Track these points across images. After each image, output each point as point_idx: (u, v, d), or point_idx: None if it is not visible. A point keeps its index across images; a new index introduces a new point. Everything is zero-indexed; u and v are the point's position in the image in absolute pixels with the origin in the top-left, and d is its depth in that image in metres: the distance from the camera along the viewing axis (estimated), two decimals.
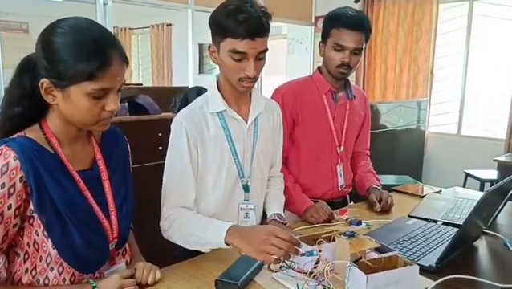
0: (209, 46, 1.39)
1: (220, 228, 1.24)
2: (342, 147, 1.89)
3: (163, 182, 1.42)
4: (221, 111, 1.44)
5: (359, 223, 1.23)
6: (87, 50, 0.96)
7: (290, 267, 1.18)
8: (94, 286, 1.05)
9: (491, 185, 4.15)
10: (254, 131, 1.50)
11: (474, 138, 5.09)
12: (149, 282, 1.14)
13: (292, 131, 1.83)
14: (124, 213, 1.17)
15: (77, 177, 1.07)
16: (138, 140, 2.53)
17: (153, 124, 2.63)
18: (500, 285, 1.15)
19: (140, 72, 9.23)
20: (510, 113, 4.64)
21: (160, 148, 2.52)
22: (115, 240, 1.15)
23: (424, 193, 2.05)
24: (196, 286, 1.15)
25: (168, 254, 1.43)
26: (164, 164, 1.43)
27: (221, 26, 1.31)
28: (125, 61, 1.03)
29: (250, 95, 1.51)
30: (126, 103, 2.99)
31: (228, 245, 1.21)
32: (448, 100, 5.39)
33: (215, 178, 1.44)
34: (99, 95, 0.99)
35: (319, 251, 1.15)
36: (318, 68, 1.89)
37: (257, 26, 1.29)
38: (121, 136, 1.26)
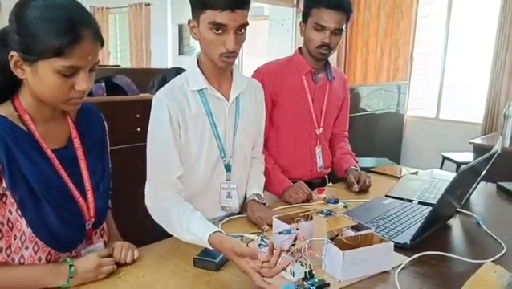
0: (189, 22, 1.37)
1: (206, 227, 1.18)
2: (321, 129, 1.90)
3: (147, 160, 1.40)
4: (201, 89, 1.42)
5: (336, 202, 1.25)
6: (58, 25, 0.93)
7: (267, 245, 1.19)
8: (71, 265, 1.04)
9: None
10: (236, 110, 1.49)
11: (452, 122, 5.18)
12: (128, 261, 1.14)
13: (271, 112, 1.82)
14: (101, 192, 1.16)
15: (51, 156, 1.05)
16: (116, 122, 2.50)
17: (131, 105, 2.59)
18: (471, 260, 1.18)
19: (117, 53, 9.05)
20: (487, 97, 4.73)
21: (139, 129, 2.49)
22: (92, 219, 1.13)
23: (401, 174, 2.08)
24: (174, 264, 1.15)
25: (148, 234, 1.42)
26: (143, 146, 1.41)
27: None
28: (99, 40, 1.01)
29: (232, 73, 1.50)
30: (103, 84, 2.93)
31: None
32: (427, 84, 5.46)
33: (196, 157, 1.43)
34: (69, 73, 0.97)
35: (297, 229, 1.16)
36: (299, 49, 1.89)
37: None
38: (97, 113, 1.24)
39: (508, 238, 1.35)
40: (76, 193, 1.09)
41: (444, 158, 4.48)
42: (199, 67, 1.44)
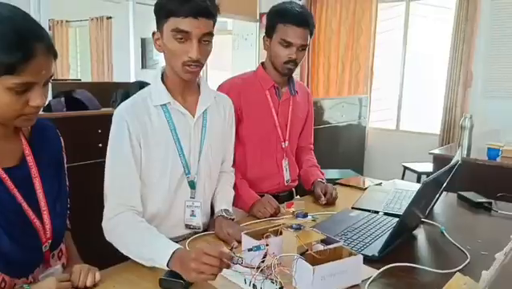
0: (153, 34, 1.35)
1: (165, 249, 1.14)
2: (286, 142, 1.90)
3: (105, 179, 1.34)
4: (165, 104, 1.39)
5: (305, 216, 1.23)
6: (8, 41, 0.88)
7: (237, 263, 1.16)
8: None
9: (427, 177, 4.38)
10: (203, 125, 1.46)
11: (411, 133, 5.34)
12: (88, 285, 1.08)
13: (237, 128, 1.80)
14: (58, 212, 1.10)
15: (3, 175, 0.99)
16: (76, 137, 2.42)
17: (92, 120, 2.51)
18: (438, 271, 1.20)
19: (78, 67, 8.81)
20: (443, 109, 4.91)
21: (100, 145, 2.41)
22: (49, 241, 1.07)
23: (366, 186, 2.11)
24: (140, 287, 1.10)
25: (110, 256, 1.36)
26: (104, 162, 1.36)
27: (164, 7, 1.29)
28: (52, 53, 0.96)
29: (199, 87, 1.47)
30: (62, 98, 2.83)
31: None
32: (386, 97, 5.62)
33: (159, 175, 1.39)
34: (22, 90, 0.92)
35: (266, 245, 1.14)
36: (262, 64, 1.89)
37: (200, 6, 1.27)
38: (53, 130, 1.18)
39: (471, 247, 1.37)
40: (31, 214, 1.03)
41: (406, 168, 4.59)
42: (163, 81, 1.41)
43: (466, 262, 1.27)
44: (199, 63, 1.34)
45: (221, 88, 1.82)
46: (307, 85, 5.73)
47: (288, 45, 1.73)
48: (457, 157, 1.59)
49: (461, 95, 4.77)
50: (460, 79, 4.73)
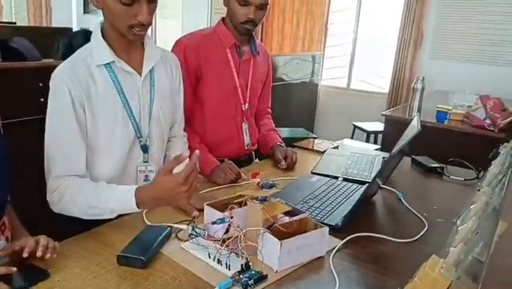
0: None
1: (125, 195, 1.14)
2: (247, 104, 1.82)
3: (45, 150, 1.22)
4: (108, 63, 1.26)
5: (271, 186, 1.20)
6: None
7: (199, 235, 1.11)
8: None
9: (375, 136, 4.50)
10: (151, 84, 1.36)
11: (361, 92, 5.42)
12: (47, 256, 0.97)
13: (196, 87, 1.71)
14: None
15: None
16: (14, 91, 2.23)
17: (33, 72, 2.29)
18: (400, 240, 1.22)
19: (12, 9, 8.05)
20: (393, 69, 4.99)
21: (42, 99, 2.21)
22: None
23: (324, 149, 2.10)
24: (95, 264, 1.02)
25: (60, 226, 1.26)
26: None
27: None
28: None
29: (143, 44, 1.35)
30: None
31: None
32: (339, 55, 5.62)
33: (108, 140, 1.28)
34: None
35: (231, 218, 1.10)
36: (223, 19, 1.77)
37: None
38: None
39: (427, 214, 1.41)
40: None
41: (355, 127, 4.68)
42: (103, 37, 1.26)
43: (424, 230, 1.30)
44: (148, 26, 1.23)
45: (178, 44, 1.69)
46: (261, 40, 5.59)
47: (245, 4, 1.61)
48: (417, 124, 1.59)
49: (411, 55, 4.84)
50: (411, 38, 4.79)
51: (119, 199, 1.15)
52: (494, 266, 0.57)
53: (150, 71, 1.35)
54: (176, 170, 1.10)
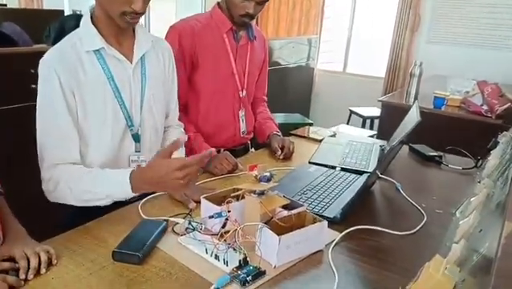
0: None
1: (120, 178, 1.12)
2: (244, 91, 1.79)
3: (37, 138, 1.20)
4: (98, 50, 1.22)
5: (269, 179, 1.17)
6: None
7: (195, 229, 1.09)
8: None
9: (371, 121, 4.48)
10: (142, 72, 1.32)
11: (357, 76, 5.38)
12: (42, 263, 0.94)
13: (191, 75, 1.66)
14: None
15: None
16: (5, 78, 2.17)
17: (24, 58, 2.23)
18: (399, 233, 1.21)
19: None
20: (390, 53, 4.94)
21: (34, 86, 2.16)
22: None
23: (321, 137, 2.08)
24: (90, 260, 1.00)
25: (53, 216, 1.24)
26: None
27: None
28: None
29: (134, 30, 1.30)
30: None
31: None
32: (336, 39, 5.55)
33: (98, 128, 1.25)
34: None
35: (228, 212, 1.08)
36: (218, 4, 1.72)
37: None
38: None
39: (426, 204, 1.40)
40: None
41: (352, 112, 4.65)
42: (93, 23, 1.23)
43: (423, 221, 1.29)
44: (142, 14, 1.19)
45: (172, 30, 1.65)
46: (256, 22, 5.50)
47: None
48: (416, 114, 1.56)
49: (408, 39, 4.79)
50: (408, 22, 4.73)
51: (114, 183, 1.13)
52: (503, 270, 0.55)
53: (141, 58, 1.31)
54: (175, 155, 1.08)
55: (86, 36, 1.22)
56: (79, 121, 1.22)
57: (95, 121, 1.24)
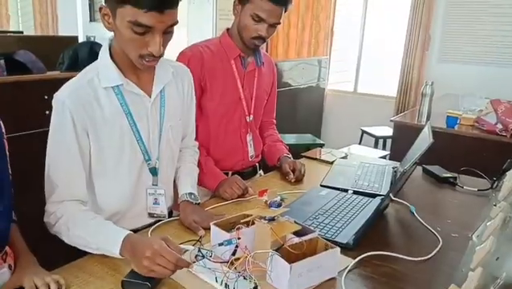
0: (100, 8, 1.12)
1: (114, 237, 1.07)
2: (251, 116, 1.79)
3: (45, 171, 1.18)
4: (117, 86, 1.20)
5: (279, 205, 1.16)
6: None
7: (205, 257, 1.08)
8: None
9: (384, 141, 4.44)
10: (161, 105, 1.31)
11: (368, 95, 5.36)
12: None
13: (200, 99, 1.67)
14: (1, 211, 0.95)
15: None
16: (20, 104, 2.21)
17: (37, 85, 2.28)
18: (414, 259, 1.18)
19: (19, 18, 8.10)
20: (401, 72, 4.93)
21: (47, 112, 2.20)
22: None
23: (332, 160, 2.06)
24: None
25: (63, 247, 1.23)
26: None
27: None
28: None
29: None
30: (2, 61, 2.53)
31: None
32: (345, 59, 5.56)
33: (115, 164, 1.24)
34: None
35: (238, 238, 1.06)
36: (227, 31, 1.74)
37: None
38: None
39: (441, 228, 1.36)
40: None
41: (364, 132, 4.63)
42: (111, 56, 1.21)
43: (439, 246, 1.25)
44: (160, 57, 1.17)
45: (182, 56, 1.66)
46: (266, 45, 5.55)
47: (260, 20, 1.58)
48: (429, 135, 1.54)
49: (419, 58, 4.79)
50: (418, 41, 4.73)
51: (106, 239, 1.08)
52: None
53: (160, 90, 1.30)
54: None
55: (104, 71, 1.20)
56: (93, 158, 1.20)
57: (112, 157, 1.23)
